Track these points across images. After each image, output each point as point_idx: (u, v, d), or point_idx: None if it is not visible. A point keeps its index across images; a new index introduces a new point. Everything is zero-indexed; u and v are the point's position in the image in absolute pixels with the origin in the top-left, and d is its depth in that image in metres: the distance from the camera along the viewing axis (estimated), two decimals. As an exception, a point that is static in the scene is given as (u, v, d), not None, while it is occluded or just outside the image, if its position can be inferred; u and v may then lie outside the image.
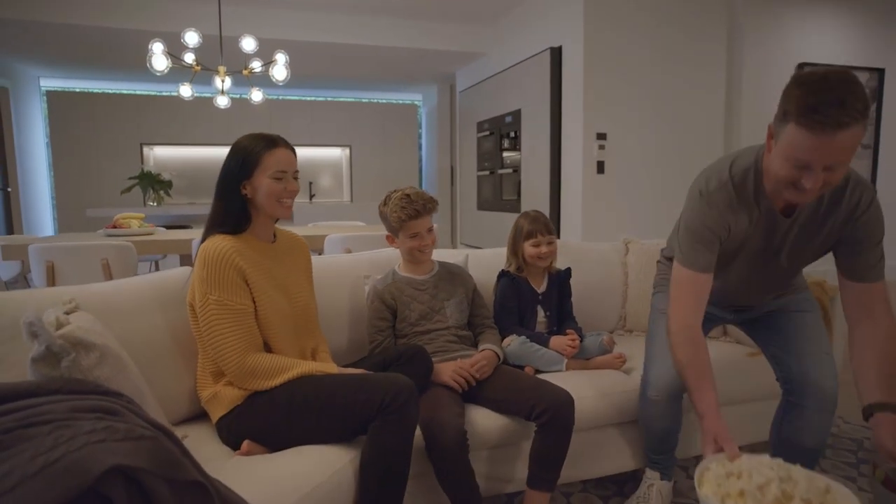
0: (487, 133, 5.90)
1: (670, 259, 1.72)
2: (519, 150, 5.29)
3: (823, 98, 1.04)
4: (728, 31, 4.74)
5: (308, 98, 7.84)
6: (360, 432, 1.31)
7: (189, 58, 3.59)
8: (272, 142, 1.43)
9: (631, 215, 4.45)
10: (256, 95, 3.94)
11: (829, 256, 1.40)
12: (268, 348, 1.41)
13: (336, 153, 8.03)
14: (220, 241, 1.37)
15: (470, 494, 1.43)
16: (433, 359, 1.59)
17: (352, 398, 1.28)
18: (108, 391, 0.91)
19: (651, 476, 1.70)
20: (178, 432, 1.09)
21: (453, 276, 1.84)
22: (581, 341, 1.86)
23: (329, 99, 7.97)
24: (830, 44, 4.97)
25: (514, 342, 1.78)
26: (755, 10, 4.68)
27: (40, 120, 6.75)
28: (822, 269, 1.86)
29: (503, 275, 1.93)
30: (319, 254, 3.07)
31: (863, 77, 5.16)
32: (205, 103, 7.07)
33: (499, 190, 5.71)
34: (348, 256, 2.00)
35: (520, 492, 1.61)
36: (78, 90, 6.90)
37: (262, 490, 1.10)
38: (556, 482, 1.52)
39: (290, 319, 1.46)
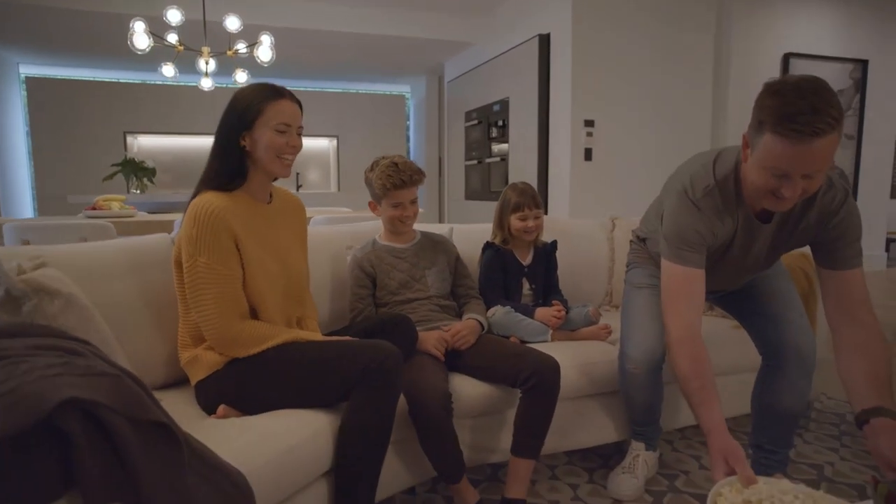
0: (475, 122, 5.88)
1: (643, 239, 1.73)
2: (507, 138, 5.28)
3: (798, 107, 1.04)
4: (716, 20, 4.76)
5: (295, 88, 7.75)
6: (342, 398, 1.27)
7: (172, 38, 3.52)
8: (277, 92, 1.35)
9: (618, 202, 4.45)
10: (241, 77, 3.88)
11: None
12: (254, 314, 1.35)
13: (323, 144, 7.96)
14: (213, 200, 1.29)
15: (453, 460, 1.42)
16: (417, 328, 1.57)
17: (335, 364, 1.25)
18: (73, 337, 0.88)
19: (636, 447, 1.70)
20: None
21: (435, 244, 1.81)
22: (567, 313, 1.84)
23: (316, 89, 7.89)
24: (816, 35, 5.01)
25: (498, 312, 1.76)
26: (743, 0, 4.69)
27: (20, 107, 6.62)
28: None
29: (488, 246, 1.91)
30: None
31: (847, 68, 5.20)
32: (190, 92, 7.00)
33: (487, 179, 5.69)
34: (331, 228, 1.98)
35: (504, 462, 1.60)
36: (59, 77, 6.77)
37: (236, 448, 1.07)
38: (540, 449, 1.50)
39: (281, 285, 1.41)
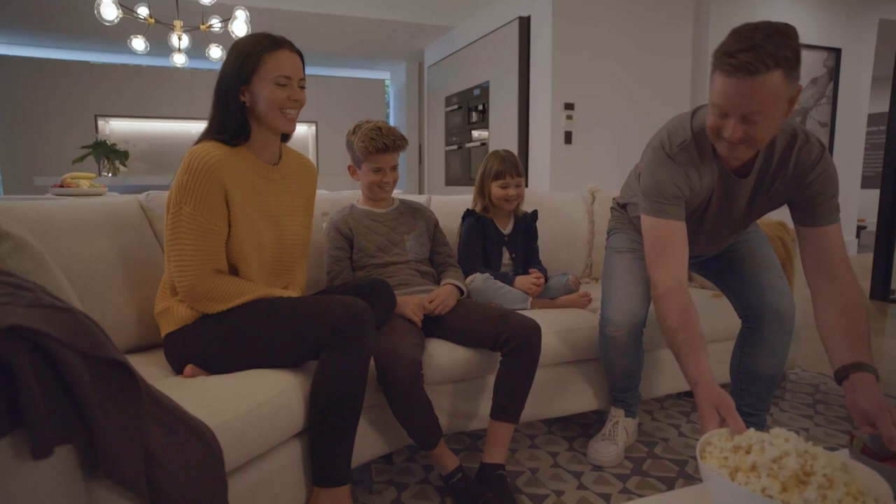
0: (455, 107, 5.84)
1: (623, 206, 1.73)
2: (487, 123, 5.25)
3: (742, 44, 1.05)
4: (695, 5, 4.78)
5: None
6: (312, 357, 1.23)
7: (142, 11, 3.40)
8: (275, 42, 1.27)
9: (598, 184, 4.44)
10: (215, 52, 3.77)
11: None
12: (234, 273, 1.30)
13: (302, 129, 7.84)
14: (211, 150, 1.23)
15: (426, 427, 1.38)
16: (396, 292, 1.53)
17: (303, 321, 1.20)
18: (22, 278, 0.82)
19: (616, 413, 1.69)
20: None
21: (413, 210, 1.78)
22: (546, 282, 1.82)
23: (294, 74, 7.76)
24: (791, 22, 5.01)
25: (477, 279, 1.73)
26: (720, -16, 4.72)
27: (-17, 87, 6.37)
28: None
29: (468, 214, 1.88)
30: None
31: (821, 56, 5.28)
32: (165, 74, 6.83)
33: (467, 165, 5.66)
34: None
35: (483, 429, 1.57)
36: (25, 56, 6.53)
37: (204, 403, 1.02)
38: (520, 413, 1.48)
39: (272, 253, 1.35)
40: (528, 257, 1.92)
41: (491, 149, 5.28)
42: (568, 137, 4.47)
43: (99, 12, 3.06)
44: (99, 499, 0.78)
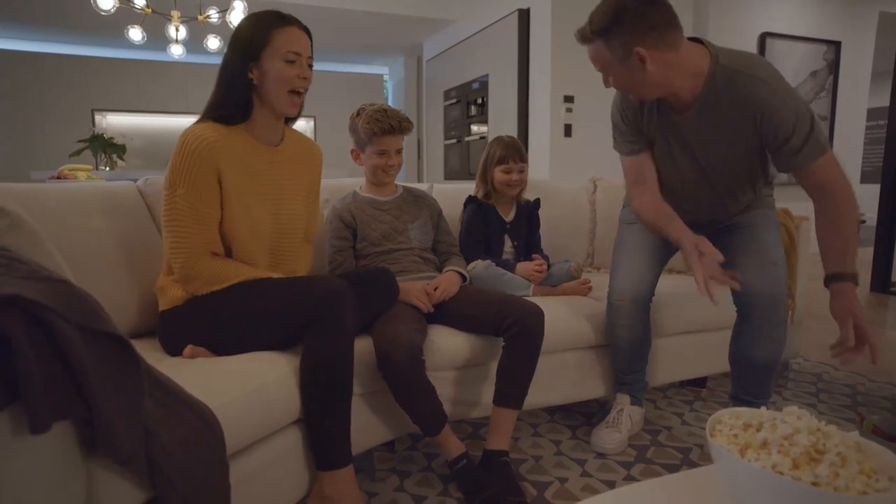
0: (454, 101, 5.81)
1: None
2: (486, 116, 5.23)
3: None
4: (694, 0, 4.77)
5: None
6: (298, 337, 1.21)
7: (139, 1, 3.37)
8: (284, 18, 1.25)
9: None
10: (213, 42, 3.75)
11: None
12: (230, 256, 1.28)
13: (300, 124, 7.79)
14: (205, 130, 1.21)
15: (430, 413, 1.36)
16: (399, 279, 1.51)
17: (283, 301, 1.19)
18: (17, 254, 0.80)
19: (621, 400, 1.68)
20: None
21: (417, 199, 1.76)
22: (548, 269, 1.81)
23: (292, 69, 7.71)
24: (791, 16, 5.05)
25: (478, 266, 1.71)
26: (720, -23, 4.71)
27: (-21, 82, 6.33)
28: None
29: (470, 201, 1.86)
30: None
31: (820, 50, 5.27)
32: (163, 69, 6.79)
33: (466, 159, 5.64)
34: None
35: (486, 417, 1.56)
36: (21, 50, 6.48)
37: (204, 385, 1.00)
38: (523, 399, 1.46)
39: (269, 236, 1.32)
40: (529, 246, 1.91)
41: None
42: (567, 130, 4.46)
43: (95, 2, 3.03)
44: (98, 477, 0.76)
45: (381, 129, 1.58)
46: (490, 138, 5.20)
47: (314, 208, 1.47)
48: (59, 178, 3.22)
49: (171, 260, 1.23)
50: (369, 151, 1.63)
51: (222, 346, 1.21)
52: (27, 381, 0.63)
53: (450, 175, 6.03)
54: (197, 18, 3.54)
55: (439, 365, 1.47)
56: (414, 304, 1.49)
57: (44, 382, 0.64)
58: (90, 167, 3.33)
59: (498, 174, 1.82)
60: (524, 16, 4.60)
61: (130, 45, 3.87)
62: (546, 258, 1.86)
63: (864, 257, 5.29)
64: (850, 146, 5.62)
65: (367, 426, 1.40)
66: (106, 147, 5.12)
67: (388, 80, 8.27)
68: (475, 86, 5.38)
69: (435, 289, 1.53)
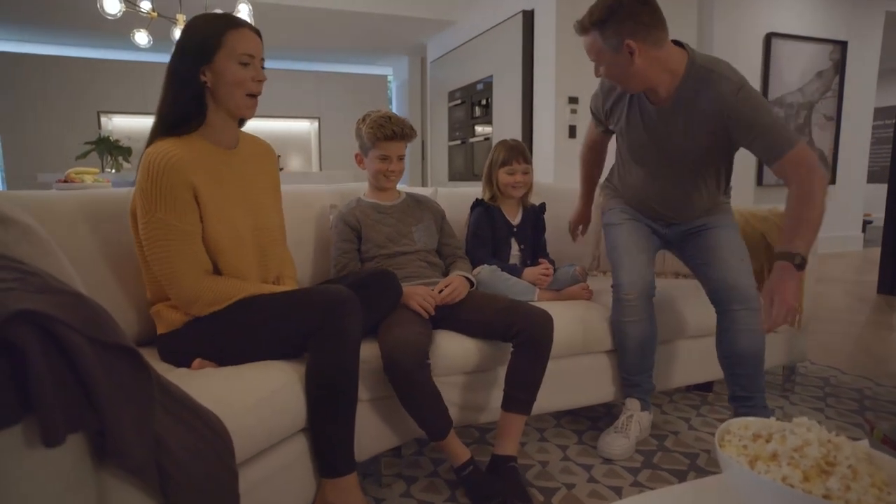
0: (459, 102, 5.82)
1: (610, 179, 1.91)
2: (490, 117, 5.22)
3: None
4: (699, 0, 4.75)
5: (275, 68, 7.59)
6: (302, 348, 1.21)
7: (145, 5, 3.39)
8: (235, 21, 1.23)
9: (602, 178, 4.43)
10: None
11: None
12: (217, 271, 1.26)
13: (304, 125, 7.83)
14: (168, 148, 1.18)
15: (435, 417, 1.36)
16: (404, 284, 1.51)
17: (285, 314, 1.19)
18: (30, 265, 0.81)
19: (631, 406, 1.67)
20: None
21: (420, 203, 1.78)
22: (554, 272, 1.81)
23: (297, 69, 7.73)
24: (796, 16, 5.03)
25: (484, 270, 1.72)
26: (726, -23, 4.69)
27: (-14, 84, 6.37)
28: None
29: (477, 204, 1.87)
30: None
31: (826, 49, 5.24)
32: (165, 70, 6.80)
33: (470, 160, 5.64)
34: (313, 186, 1.90)
35: (492, 422, 1.56)
36: (28, 53, 6.52)
37: (213, 394, 1.01)
38: (532, 405, 1.46)
39: (251, 240, 1.31)
40: (536, 249, 1.91)
41: (495, 143, 5.26)
42: (572, 131, 4.45)
43: (101, 6, 3.05)
44: (109, 486, 0.77)
45: (383, 134, 1.61)
46: (494, 139, 5.21)
47: (281, 208, 1.46)
48: (66, 181, 3.24)
49: (167, 288, 1.21)
50: (372, 156, 1.66)
51: (226, 361, 1.21)
52: (41, 394, 0.63)
53: (454, 176, 6.03)
54: (202, 22, 3.55)
55: (446, 370, 1.47)
56: (415, 309, 1.49)
57: (57, 395, 0.64)
58: (97, 170, 3.35)
59: (503, 176, 1.83)
60: (528, 17, 4.59)
61: (136, 47, 3.88)
62: (552, 262, 1.86)
63: (872, 258, 5.28)
64: (856, 146, 5.59)
65: (373, 432, 1.40)
66: (112, 149, 5.14)
67: (391, 81, 8.28)
68: (479, 87, 5.38)
69: (441, 290, 1.53)
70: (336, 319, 1.16)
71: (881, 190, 4.58)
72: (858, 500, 0.70)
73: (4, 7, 5.14)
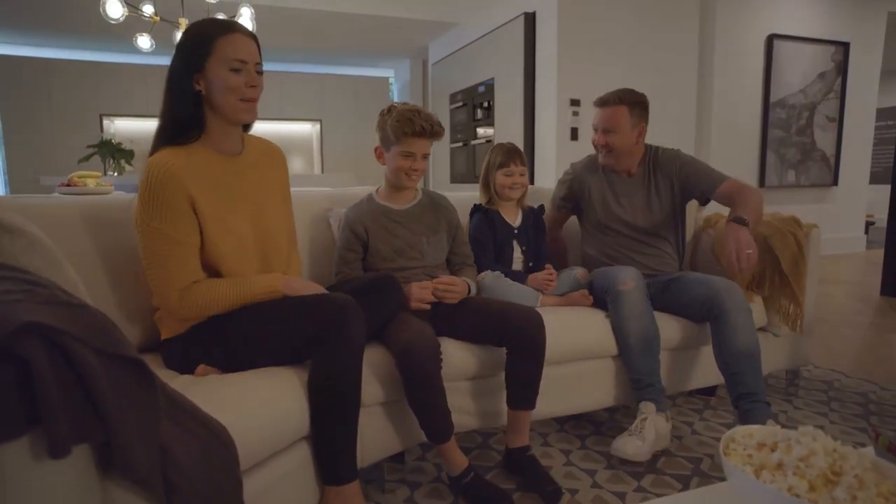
0: (460, 104, 5.82)
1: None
2: (492, 120, 5.23)
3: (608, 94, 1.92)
4: (701, 1, 4.75)
5: (277, 70, 7.61)
6: (306, 356, 1.22)
7: (148, 9, 3.39)
8: (227, 26, 1.21)
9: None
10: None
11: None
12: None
13: (306, 127, 7.83)
14: (168, 159, 1.18)
15: (442, 417, 1.36)
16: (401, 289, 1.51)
17: (287, 322, 1.19)
18: (35, 275, 0.81)
19: (645, 409, 1.61)
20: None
21: (436, 207, 1.70)
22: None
23: (299, 72, 7.73)
24: (798, 17, 5.03)
25: (488, 276, 1.71)
26: (727, -21, 4.69)
27: (-11, 88, 6.38)
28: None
29: (476, 210, 1.87)
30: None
31: (829, 50, 5.24)
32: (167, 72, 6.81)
33: (472, 162, 5.64)
34: (310, 190, 1.91)
35: (494, 428, 1.57)
36: (31, 56, 6.54)
37: (217, 402, 1.01)
38: (535, 399, 1.48)
39: (253, 246, 1.30)
40: (538, 251, 1.91)
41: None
42: (574, 134, 4.45)
43: (104, 10, 3.06)
44: (115, 497, 0.77)
45: (412, 129, 1.51)
46: (496, 142, 5.21)
47: (290, 213, 1.45)
48: (68, 184, 3.24)
49: (159, 299, 1.21)
50: (394, 151, 1.56)
51: (230, 368, 1.21)
52: (47, 406, 0.63)
53: (456, 178, 6.04)
54: (204, 25, 3.56)
55: (447, 375, 1.47)
56: (414, 308, 1.49)
57: (63, 407, 0.65)
58: (99, 174, 3.35)
59: (500, 177, 1.83)
60: (530, 19, 4.60)
61: (138, 50, 3.88)
62: (553, 266, 1.86)
63: (875, 259, 5.26)
64: (859, 147, 5.59)
65: (376, 437, 1.40)
66: (114, 152, 5.15)
67: (393, 83, 8.29)
68: (481, 89, 5.39)
69: (439, 283, 1.53)
70: (339, 326, 1.16)
71: (884, 191, 4.56)
72: (865, 511, 0.70)
73: (8, 11, 5.16)
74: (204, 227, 1.22)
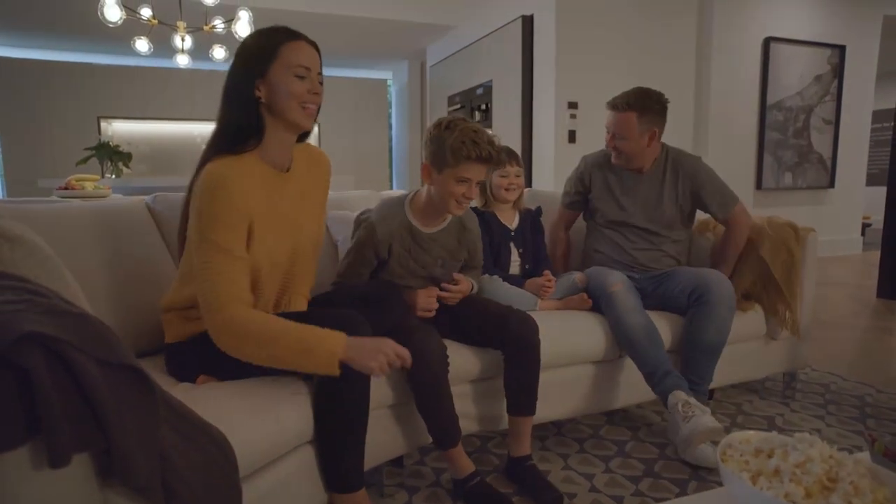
0: (458, 106, 5.83)
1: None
2: (490, 122, 5.23)
3: (619, 96, 1.90)
4: (698, 4, 4.77)
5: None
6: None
7: (145, 12, 3.40)
8: (293, 33, 1.19)
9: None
10: (219, 52, 3.76)
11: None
12: None
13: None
14: (228, 171, 1.13)
15: (450, 422, 1.38)
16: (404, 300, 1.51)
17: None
18: (35, 283, 0.81)
19: (679, 396, 1.56)
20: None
21: (462, 231, 1.57)
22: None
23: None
24: (795, 20, 5.05)
25: (484, 281, 1.72)
26: (724, -18, 4.70)
27: (-15, 90, 6.37)
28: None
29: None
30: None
31: (825, 53, 5.26)
32: (168, 75, 6.82)
33: (470, 164, 5.64)
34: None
35: (494, 431, 1.57)
36: (27, 58, 6.53)
37: (216, 409, 1.01)
38: (534, 404, 1.49)
39: (284, 265, 1.27)
40: (536, 253, 1.91)
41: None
42: (572, 136, 4.46)
43: (102, 13, 3.06)
44: (115, 506, 0.77)
45: (476, 154, 1.34)
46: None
47: (323, 220, 1.43)
48: (66, 188, 3.23)
49: (208, 313, 1.11)
50: (448, 174, 1.38)
51: (233, 379, 1.19)
52: (47, 415, 0.64)
53: (454, 180, 6.04)
54: (202, 29, 3.56)
55: (451, 379, 1.47)
56: (421, 315, 1.49)
57: (63, 417, 0.65)
58: (97, 177, 3.35)
59: (496, 179, 1.84)
60: (528, 22, 4.61)
61: (136, 52, 3.88)
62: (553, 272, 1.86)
63: (871, 261, 5.28)
64: (855, 149, 5.61)
65: (375, 442, 1.39)
66: (112, 155, 5.14)
67: (391, 85, 8.29)
68: (479, 91, 5.39)
69: (449, 283, 1.54)
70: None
71: (880, 192, 4.58)
72: (860, 518, 0.70)
73: (5, 13, 5.15)
74: (250, 247, 1.17)
